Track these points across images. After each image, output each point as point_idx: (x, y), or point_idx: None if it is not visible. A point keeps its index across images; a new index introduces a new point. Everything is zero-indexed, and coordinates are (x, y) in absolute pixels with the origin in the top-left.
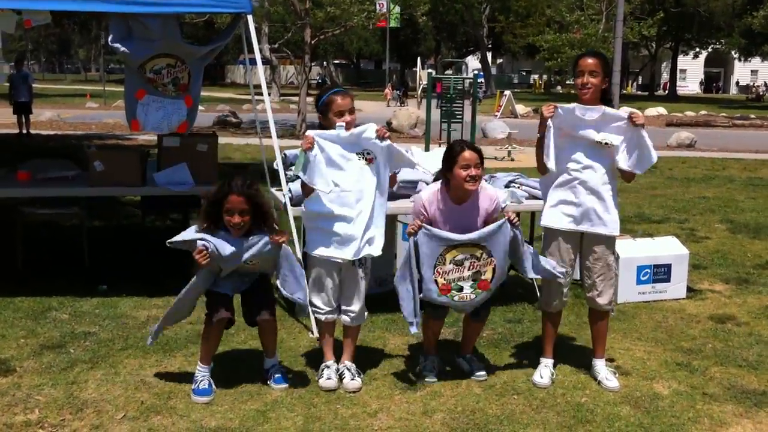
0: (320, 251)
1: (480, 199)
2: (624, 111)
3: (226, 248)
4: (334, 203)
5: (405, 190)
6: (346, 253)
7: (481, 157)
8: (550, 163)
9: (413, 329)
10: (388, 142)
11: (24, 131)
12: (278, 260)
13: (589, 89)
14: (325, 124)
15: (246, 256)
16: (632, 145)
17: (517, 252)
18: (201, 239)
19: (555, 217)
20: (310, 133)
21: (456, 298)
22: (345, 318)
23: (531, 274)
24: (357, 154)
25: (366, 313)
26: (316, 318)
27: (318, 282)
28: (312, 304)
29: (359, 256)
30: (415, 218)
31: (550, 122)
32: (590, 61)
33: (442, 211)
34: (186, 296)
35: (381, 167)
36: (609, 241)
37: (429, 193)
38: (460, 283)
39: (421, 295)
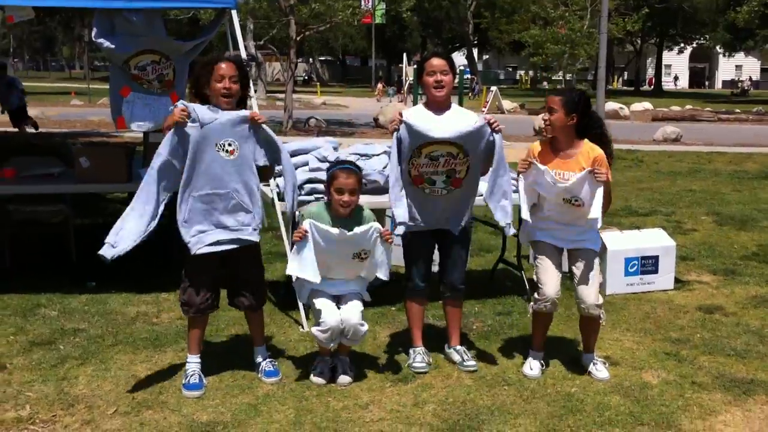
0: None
1: (458, 111)
2: (587, 169)
3: (205, 113)
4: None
5: (374, 185)
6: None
7: (452, 65)
8: (524, 214)
9: (399, 230)
10: (386, 245)
11: (34, 130)
12: (268, 143)
13: (548, 126)
14: (327, 195)
15: (229, 123)
16: (596, 198)
17: (493, 159)
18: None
19: (540, 235)
20: (306, 224)
21: (426, 191)
22: (345, 339)
23: (491, 202)
24: (353, 254)
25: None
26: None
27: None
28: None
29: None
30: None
31: (521, 177)
32: (551, 97)
33: (420, 121)
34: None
35: (375, 260)
36: (592, 253)
37: (411, 108)
38: (432, 177)
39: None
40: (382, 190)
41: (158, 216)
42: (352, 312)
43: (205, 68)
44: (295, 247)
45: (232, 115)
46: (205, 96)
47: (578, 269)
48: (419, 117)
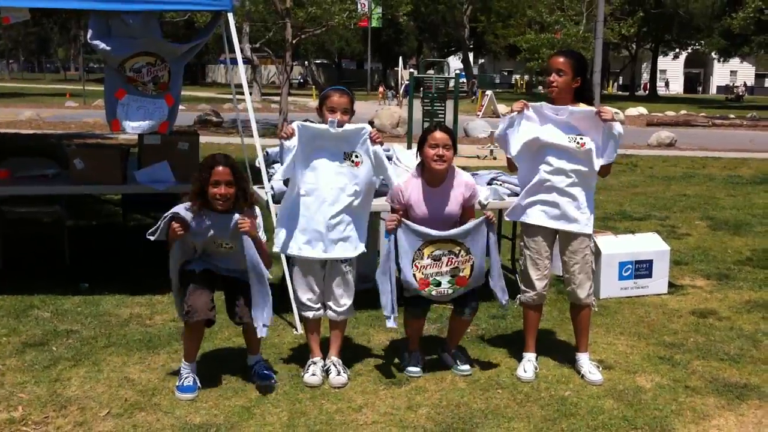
0: (290, 249)
1: (455, 183)
2: (592, 108)
3: (203, 221)
4: (306, 201)
5: (385, 187)
6: (315, 252)
7: (453, 140)
8: (513, 150)
9: (390, 323)
10: (378, 147)
11: None
12: (247, 251)
13: (555, 87)
14: (320, 118)
15: (228, 227)
16: (603, 138)
17: (487, 252)
18: (172, 214)
19: (530, 213)
20: (296, 123)
21: (434, 293)
22: (331, 313)
23: (491, 282)
24: (344, 154)
25: (353, 310)
26: (301, 315)
27: (302, 279)
28: (298, 302)
29: (330, 256)
30: (393, 204)
31: (517, 115)
32: (558, 59)
33: (419, 194)
34: (174, 275)
35: (367, 171)
36: (583, 237)
37: (406, 177)
38: (438, 278)
39: (404, 286)
40: (378, 192)
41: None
42: (336, 291)
43: (202, 171)
44: (282, 145)
45: (225, 221)
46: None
47: (572, 259)
48: (416, 193)
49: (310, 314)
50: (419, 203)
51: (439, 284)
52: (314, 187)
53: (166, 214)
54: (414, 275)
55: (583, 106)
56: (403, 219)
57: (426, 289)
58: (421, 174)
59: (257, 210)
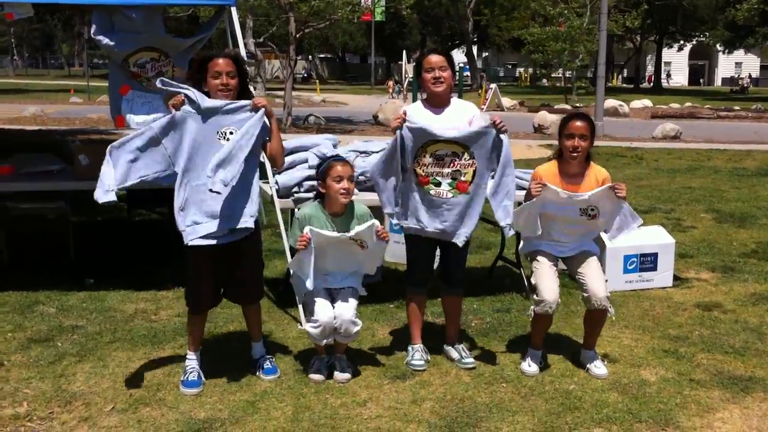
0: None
1: (457, 107)
2: (607, 186)
3: (207, 101)
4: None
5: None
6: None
7: (450, 62)
8: (533, 231)
9: (393, 220)
10: (383, 243)
11: None
12: (264, 129)
13: (579, 153)
14: (322, 189)
15: (230, 111)
16: (615, 212)
17: (498, 160)
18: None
19: (541, 247)
20: (307, 230)
21: (432, 192)
22: (339, 337)
23: (492, 200)
24: (353, 241)
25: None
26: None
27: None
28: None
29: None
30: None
31: (535, 200)
32: (580, 124)
33: (420, 119)
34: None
35: (370, 251)
36: (593, 254)
37: (411, 104)
38: (438, 178)
39: (402, 184)
40: (367, 188)
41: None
42: (346, 309)
43: (201, 65)
44: (298, 252)
45: (234, 103)
46: (203, 93)
47: (584, 266)
48: (419, 115)
49: (322, 343)
50: (421, 122)
51: (438, 184)
52: (320, 261)
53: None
54: (415, 171)
55: (597, 174)
56: (407, 118)
57: (425, 187)
58: (423, 103)
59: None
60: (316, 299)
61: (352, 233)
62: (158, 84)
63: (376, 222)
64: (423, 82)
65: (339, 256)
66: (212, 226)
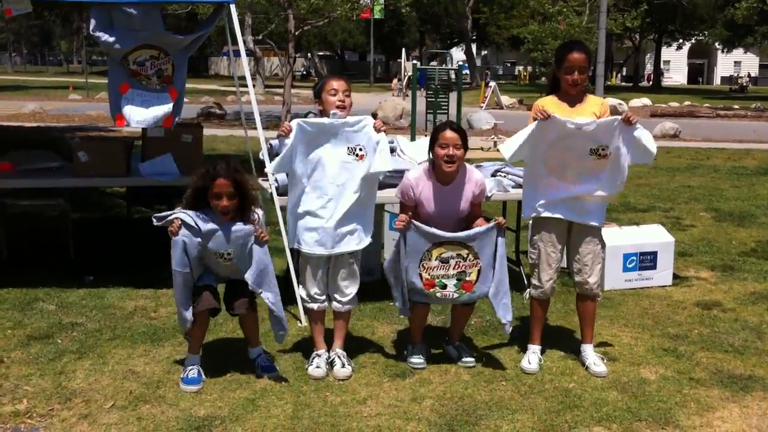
0: (299, 245)
1: (466, 182)
2: (617, 116)
3: (208, 224)
4: (310, 197)
5: (391, 179)
6: (323, 248)
7: (464, 140)
8: (513, 148)
9: (403, 314)
10: (382, 136)
11: None
12: (254, 257)
13: (579, 85)
14: (320, 107)
15: (232, 237)
16: (629, 143)
17: (501, 264)
18: (182, 213)
19: (542, 207)
20: (295, 121)
21: (438, 295)
22: (336, 304)
23: (493, 299)
24: (348, 148)
25: (357, 300)
26: (306, 307)
27: (309, 271)
28: (304, 293)
29: (336, 251)
30: (403, 199)
31: (537, 122)
32: (579, 56)
33: (429, 191)
34: (177, 294)
35: (371, 164)
36: (596, 230)
37: (417, 173)
38: (444, 281)
39: (409, 287)
40: (382, 184)
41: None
42: (341, 284)
43: (202, 182)
44: (281, 145)
45: (234, 229)
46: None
47: (582, 246)
48: (427, 187)
49: (315, 306)
50: (429, 201)
51: (444, 286)
52: (319, 182)
53: (176, 211)
54: (420, 275)
55: (599, 104)
56: (413, 220)
57: (431, 290)
58: (432, 171)
59: (259, 212)
60: (310, 268)
61: (342, 120)
62: (155, 221)
63: (370, 118)
64: (435, 156)
65: (336, 160)
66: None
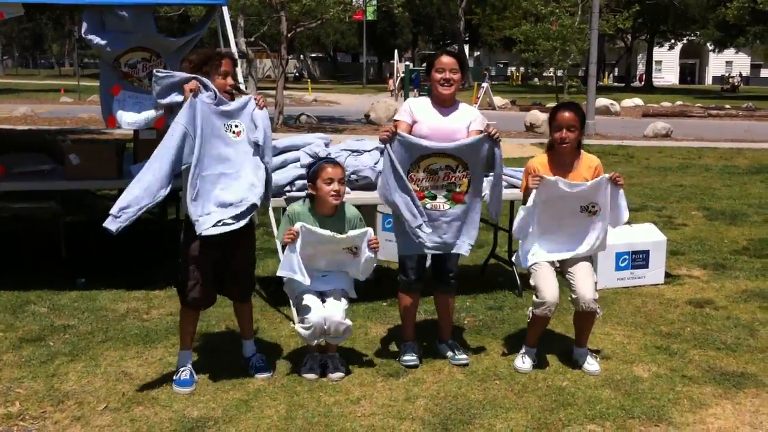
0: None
1: (463, 111)
2: (604, 175)
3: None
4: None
5: (366, 181)
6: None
7: (461, 64)
8: (522, 230)
9: (424, 231)
10: (372, 254)
11: None
12: (258, 123)
13: (568, 144)
14: (312, 191)
15: (236, 108)
16: (612, 203)
17: (494, 169)
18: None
19: (538, 255)
20: (297, 225)
21: (428, 206)
22: (329, 338)
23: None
24: (345, 249)
25: (350, 331)
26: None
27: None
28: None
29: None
30: (400, 117)
31: (534, 193)
32: (567, 115)
33: (427, 114)
34: (160, 151)
35: (362, 259)
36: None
37: (418, 99)
38: (433, 191)
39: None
40: (373, 186)
41: (169, 185)
42: (335, 309)
43: (211, 61)
44: (286, 249)
45: (240, 100)
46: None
47: (575, 266)
48: (426, 112)
49: (313, 343)
50: (427, 124)
51: (434, 197)
52: (310, 260)
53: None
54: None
55: (590, 163)
56: (398, 131)
57: (421, 201)
58: (430, 100)
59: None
60: (306, 297)
61: (344, 236)
62: (155, 73)
63: (370, 231)
64: (431, 82)
65: (329, 259)
66: (219, 214)
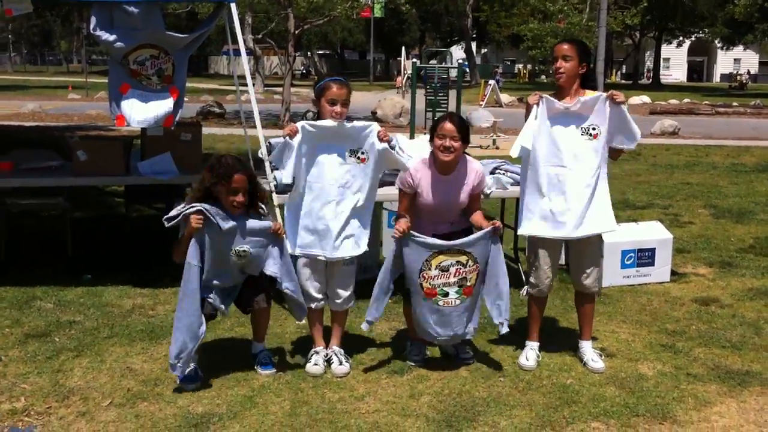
0: (299, 249)
1: (466, 173)
2: (602, 95)
3: (228, 221)
4: (312, 199)
5: (390, 177)
6: (324, 251)
7: (464, 132)
8: (523, 142)
9: (364, 326)
10: (385, 145)
11: None
12: (269, 252)
13: (562, 74)
14: (316, 108)
15: (247, 232)
16: (615, 123)
17: (495, 266)
18: (198, 208)
19: (539, 226)
20: (300, 124)
21: (441, 303)
22: (333, 304)
23: (487, 300)
24: (350, 151)
25: (354, 299)
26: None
27: (306, 273)
28: (302, 292)
29: (337, 255)
30: (402, 187)
31: (535, 108)
32: (563, 46)
33: (428, 180)
34: (185, 296)
35: (372, 169)
36: (595, 236)
37: (417, 162)
38: (445, 289)
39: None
40: (381, 182)
41: (203, 322)
42: (339, 286)
43: (220, 179)
44: (283, 143)
45: (251, 224)
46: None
47: (581, 249)
48: (426, 176)
49: (312, 305)
50: (428, 190)
51: (446, 294)
52: (319, 184)
53: (186, 206)
54: (421, 285)
55: (592, 93)
56: (411, 231)
57: (432, 299)
58: (432, 162)
59: (264, 207)
60: (305, 269)
61: (349, 124)
62: (165, 222)
63: (375, 125)
64: (433, 146)
65: (336, 164)
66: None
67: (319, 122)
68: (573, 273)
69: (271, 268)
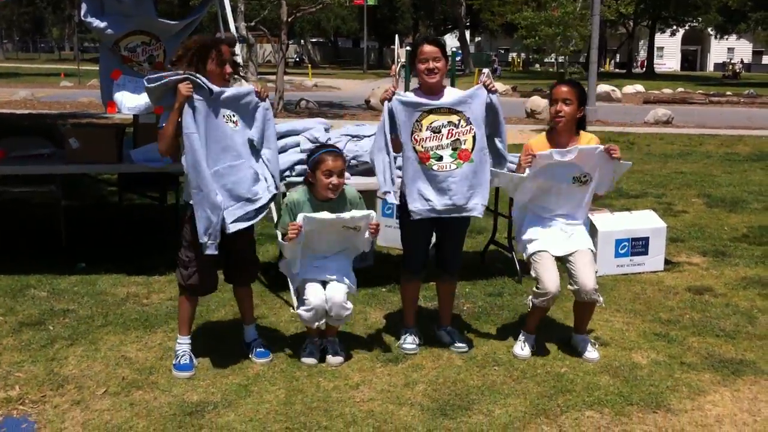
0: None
1: (450, 95)
2: (599, 145)
3: (215, 87)
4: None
5: (365, 166)
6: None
7: (443, 51)
8: (520, 197)
9: (390, 198)
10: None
11: None
12: (258, 115)
13: (562, 117)
14: (311, 180)
15: (234, 98)
16: (603, 173)
17: (496, 120)
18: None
19: (539, 245)
20: (300, 218)
21: (435, 167)
22: (332, 320)
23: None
24: (347, 228)
25: (352, 311)
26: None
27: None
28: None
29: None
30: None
31: (527, 170)
32: (564, 89)
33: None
34: (193, 168)
35: (366, 238)
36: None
37: (406, 93)
38: (438, 152)
39: (399, 164)
40: (373, 171)
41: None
42: (337, 291)
43: (207, 50)
44: (289, 242)
45: (237, 89)
46: (201, 72)
47: (575, 255)
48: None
49: (314, 326)
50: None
51: (440, 158)
52: (312, 242)
53: (176, 73)
54: (414, 148)
55: (589, 141)
56: (397, 91)
57: (427, 163)
58: (420, 91)
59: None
60: (308, 284)
61: (348, 216)
62: (146, 82)
63: (373, 213)
64: (417, 72)
65: (331, 239)
66: (237, 210)
67: (318, 216)
68: (572, 279)
69: (253, 132)
